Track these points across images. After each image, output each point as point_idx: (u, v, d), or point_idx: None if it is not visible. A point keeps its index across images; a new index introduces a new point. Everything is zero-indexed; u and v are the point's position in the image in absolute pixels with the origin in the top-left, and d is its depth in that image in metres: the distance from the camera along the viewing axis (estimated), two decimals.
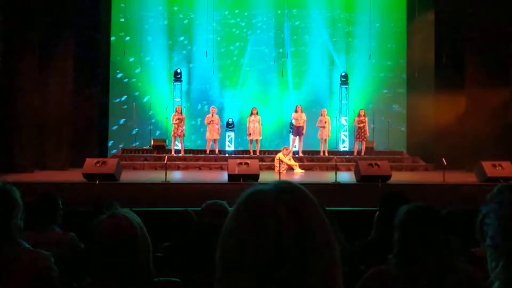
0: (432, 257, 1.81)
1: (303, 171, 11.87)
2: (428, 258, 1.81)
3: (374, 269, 1.95)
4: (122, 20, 15.10)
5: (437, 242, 1.84)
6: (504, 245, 1.01)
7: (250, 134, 13.13)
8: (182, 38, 15.50)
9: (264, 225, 0.82)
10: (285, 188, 0.88)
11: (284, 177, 10.53)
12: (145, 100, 15.01)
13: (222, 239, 0.87)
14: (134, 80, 15.07)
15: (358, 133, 13.34)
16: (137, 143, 14.22)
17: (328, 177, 10.26)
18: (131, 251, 1.73)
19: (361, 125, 13.24)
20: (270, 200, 0.85)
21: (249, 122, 13.17)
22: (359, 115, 13.37)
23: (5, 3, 9.92)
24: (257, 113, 13.28)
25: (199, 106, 15.29)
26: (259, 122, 13.21)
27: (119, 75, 15.00)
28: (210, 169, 12.30)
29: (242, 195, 0.88)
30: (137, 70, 14.96)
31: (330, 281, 0.84)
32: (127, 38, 15.08)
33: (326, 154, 13.38)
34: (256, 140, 13.26)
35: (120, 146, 14.30)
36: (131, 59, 15.04)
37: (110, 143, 14.47)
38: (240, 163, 9.17)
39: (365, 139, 13.37)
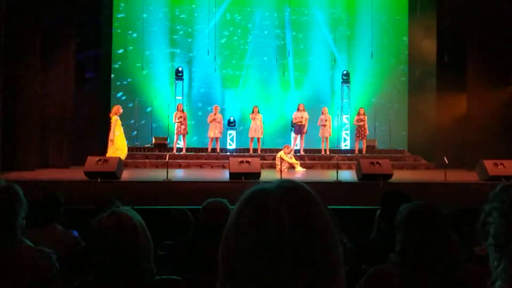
0: (434, 256, 1.81)
1: (304, 169, 11.87)
2: (431, 257, 1.80)
3: (376, 268, 1.94)
4: (124, 18, 15.09)
5: (440, 241, 1.84)
6: (507, 244, 1.01)
7: (251, 131, 13.18)
8: (183, 36, 15.48)
9: (267, 224, 0.82)
10: (288, 187, 0.87)
11: (286, 175, 10.52)
12: (147, 98, 15.00)
13: (225, 237, 0.87)
14: (135, 78, 15.07)
15: (357, 132, 13.35)
16: (146, 142, 14.22)
17: (330, 175, 10.26)
18: (132, 249, 1.73)
19: (361, 123, 13.25)
20: (273, 199, 0.85)
21: (251, 119, 13.19)
22: (358, 114, 13.38)
23: (7, 2, 9.92)
24: (258, 112, 13.29)
25: (201, 105, 15.27)
26: (260, 120, 13.22)
27: (121, 74, 15.00)
28: (212, 167, 12.31)
29: (245, 193, 0.88)
30: (138, 72, 14.95)
31: (332, 280, 0.84)
32: (129, 37, 15.07)
33: (328, 152, 13.38)
34: (258, 138, 13.26)
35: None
36: (133, 58, 15.03)
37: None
38: (242, 162, 9.17)
39: (365, 138, 13.37)
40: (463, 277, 1.81)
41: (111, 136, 10.98)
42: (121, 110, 11.51)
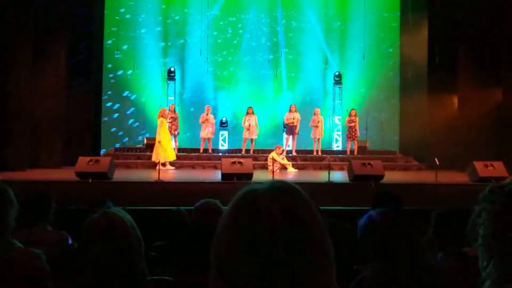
0: (404, 259, 1.83)
1: (296, 170, 11.89)
2: (401, 260, 1.83)
3: (360, 276, 1.97)
4: (116, 18, 15.03)
5: (405, 244, 1.86)
6: (495, 245, 1.02)
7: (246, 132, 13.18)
8: (175, 36, 15.45)
9: (259, 224, 0.83)
10: (280, 188, 0.88)
11: (278, 176, 10.53)
12: (139, 98, 14.95)
13: (217, 238, 0.87)
14: (127, 78, 15.01)
15: (349, 133, 13.43)
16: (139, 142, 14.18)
17: (321, 176, 10.28)
18: (123, 249, 1.73)
19: (352, 124, 13.32)
20: (265, 200, 0.85)
21: (245, 121, 13.18)
22: (350, 115, 13.46)
23: None
24: (252, 112, 13.29)
25: (193, 105, 15.24)
26: (255, 121, 13.22)
27: (112, 74, 14.94)
28: (204, 168, 12.29)
29: (237, 194, 0.89)
30: (130, 72, 14.90)
31: (324, 279, 0.85)
32: (121, 37, 15.00)
33: (320, 153, 13.42)
34: (251, 139, 13.27)
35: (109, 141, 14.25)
36: (125, 58, 14.97)
37: (115, 144, 14.43)
38: (234, 162, 9.16)
39: (356, 139, 13.44)
40: (438, 274, 1.83)
41: (157, 137, 11.31)
42: (167, 113, 12.06)
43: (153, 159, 11.34)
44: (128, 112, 14.48)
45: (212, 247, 0.87)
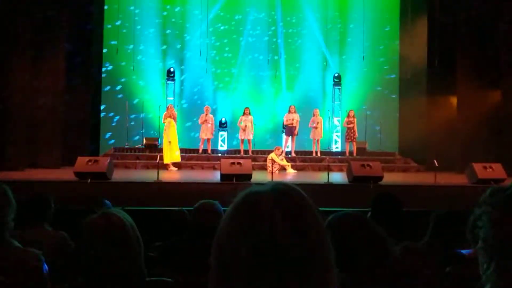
0: (364, 257, 1.83)
1: (295, 171, 11.89)
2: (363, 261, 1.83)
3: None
4: (115, 18, 15.01)
5: (371, 248, 1.85)
6: (496, 248, 1.02)
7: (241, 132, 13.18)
8: (175, 37, 15.45)
9: (260, 227, 0.82)
10: (282, 190, 0.88)
11: (277, 177, 10.52)
12: (138, 99, 14.94)
13: (217, 239, 0.87)
14: (126, 79, 15.00)
15: (347, 134, 13.45)
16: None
17: (321, 177, 10.27)
18: (122, 250, 1.72)
19: (350, 125, 13.33)
20: (267, 202, 0.85)
21: (241, 121, 13.18)
22: (348, 116, 13.48)
23: None
24: (249, 113, 13.29)
25: (192, 106, 15.24)
26: (251, 122, 13.22)
27: (111, 74, 14.92)
28: (203, 168, 12.29)
29: (239, 196, 0.88)
30: (129, 72, 14.88)
31: (324, 281, 0.84)
32: (120, 37, 14.98)
33: (319, 154, 13.42)
34: (248, 140, 13.26)
35: (111, 141, 14.24)
36: (124, 58, 14.96)
37: (106, 138, 14.41)
38: (233, 163, 9.16)
39: (354, 140, 13.44)
40: (397, 270, 1.84)
41: (167, 138, 11.42)
42: (174, 112, 12.09)
43: (164, 159, 11.37)
44: (127, 112, 14.45)
45: (213, 248, 0.87)
